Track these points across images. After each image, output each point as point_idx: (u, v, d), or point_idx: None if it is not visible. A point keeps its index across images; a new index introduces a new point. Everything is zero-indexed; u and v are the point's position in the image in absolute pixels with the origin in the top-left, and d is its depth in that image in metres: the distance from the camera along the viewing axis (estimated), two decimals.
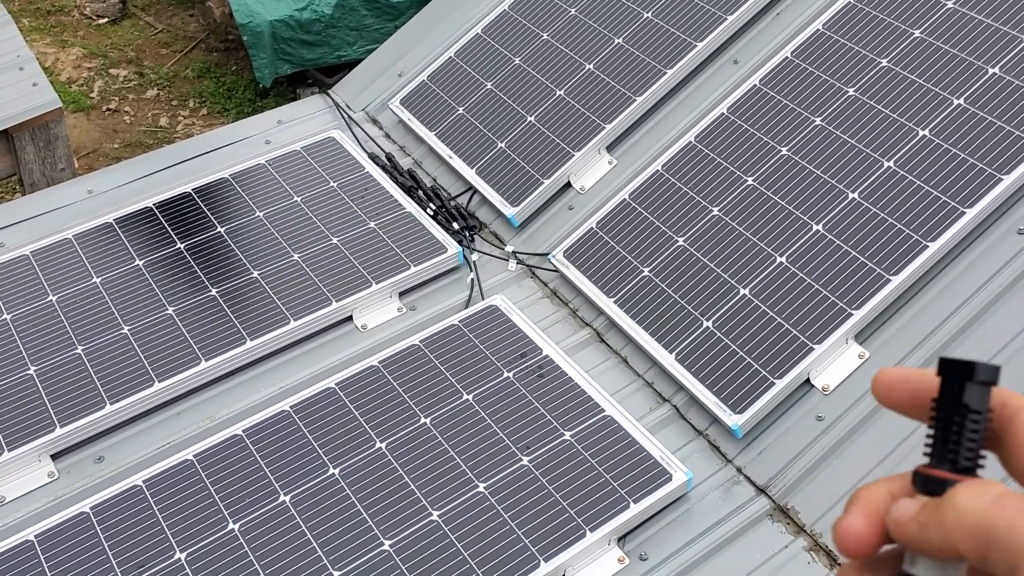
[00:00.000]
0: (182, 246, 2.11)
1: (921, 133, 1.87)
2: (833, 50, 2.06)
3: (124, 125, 4.89)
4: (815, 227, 1.84)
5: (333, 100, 2.54)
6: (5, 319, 1.97)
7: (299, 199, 2.20)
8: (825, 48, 2.07)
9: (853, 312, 1.73)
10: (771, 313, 1.78)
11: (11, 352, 1.91)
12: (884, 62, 1.99)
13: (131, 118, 4.93)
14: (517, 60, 2.36)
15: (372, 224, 2.14)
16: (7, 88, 2.78)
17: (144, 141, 4.75)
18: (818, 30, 2.10)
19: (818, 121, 1.97)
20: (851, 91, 1.98)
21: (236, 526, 1.63)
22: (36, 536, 1.63)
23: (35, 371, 1.88)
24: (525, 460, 1.71)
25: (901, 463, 1.61)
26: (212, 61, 5.27)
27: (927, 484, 0.45)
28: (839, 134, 1.94)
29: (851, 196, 1.85)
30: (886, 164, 1.86)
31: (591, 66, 2.27)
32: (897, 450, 1.62)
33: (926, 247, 1.74)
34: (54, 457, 1.78)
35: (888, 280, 1.73)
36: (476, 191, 2.22)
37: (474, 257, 2.10)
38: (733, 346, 1.78)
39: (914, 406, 0.48)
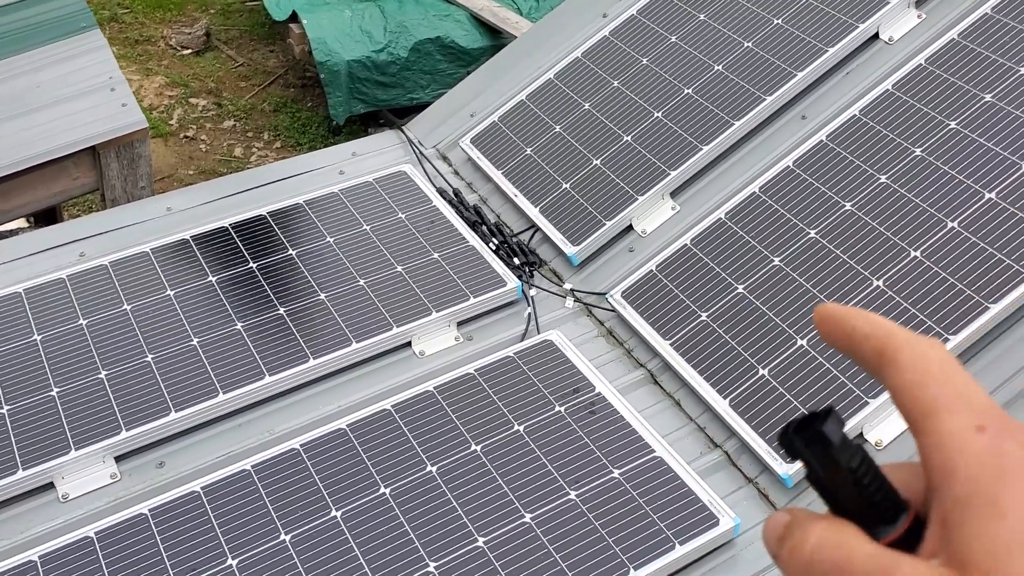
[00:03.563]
0: (254, 265, 2.18)
1: (987, 196, 1.87)
2: (901, 111, 2.08)
3: (200, 153, 5.06)
4: (875, 282, 1.85)
5: (406, 136, 2.62)
6: (81, 324, 2.05)
7: (368, 228, 2.27)
8: (893, 108, 2.09)
9: None
10: (827, 365, 1.79)
11: (85, 356, 1.99)
12: (953, 124, 2.01)
13: (207, 147, 5.10)
14: (587, 105, 2.42)
15: (436, 255, 2.19)
16: (98, 107, 2.92)
17: (218, 169, 4.91)
18: (887, 90, 2.12)
19: (883, 179, 1.99)
20: (918, 151, 2.00)
21: (287, 537, 1.67)
22: (96, 533, 1.69)
23: (105, 375, 1.95)
24: (573, 495, 1.72)
25: None
26: (289, 96, 5.44)
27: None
28: (903, 192, 1.95)
29: (913, 254, 1.86)
30: (950, 224, 1.87)
31: (659, 114, 2.32)
32: None
33: (986, 309, 1.74)
34: (118, 459, 1.84)
35: (947, 339, 1.73)
36: (538, 229, 2.27)
37: (532, 292, 2.14)
38: (788, 395, 1.78)
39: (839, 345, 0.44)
